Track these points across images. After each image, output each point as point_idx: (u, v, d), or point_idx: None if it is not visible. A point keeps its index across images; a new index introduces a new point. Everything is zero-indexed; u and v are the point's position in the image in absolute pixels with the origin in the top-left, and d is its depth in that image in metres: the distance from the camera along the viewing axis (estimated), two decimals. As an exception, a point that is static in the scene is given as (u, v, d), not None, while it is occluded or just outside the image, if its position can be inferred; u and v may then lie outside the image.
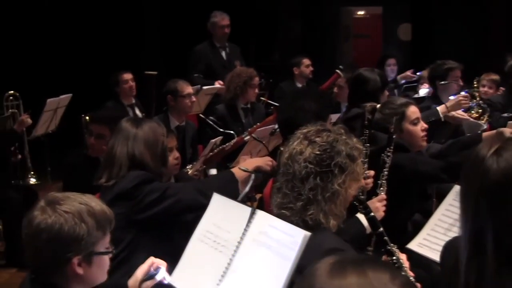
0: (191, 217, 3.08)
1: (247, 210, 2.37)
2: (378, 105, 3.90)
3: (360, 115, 3.92)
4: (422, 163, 3.78)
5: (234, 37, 7.66)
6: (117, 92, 6.76)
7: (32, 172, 6.62)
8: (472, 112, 5.38)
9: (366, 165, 3.24)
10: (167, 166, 3.45)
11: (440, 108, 4.93)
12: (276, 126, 4.56)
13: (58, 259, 2.09)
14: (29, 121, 5.98)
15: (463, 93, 5.31)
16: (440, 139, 4.72)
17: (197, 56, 7.42)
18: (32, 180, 6.58)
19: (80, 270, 2.11)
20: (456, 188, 3.30)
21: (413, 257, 3.02)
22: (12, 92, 6.55)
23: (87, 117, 6.08)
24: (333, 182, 2.32)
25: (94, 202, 2.17)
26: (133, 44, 9.88)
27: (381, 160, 3.48)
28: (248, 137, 5.27)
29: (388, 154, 3.49)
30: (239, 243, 2.32)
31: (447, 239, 2.22)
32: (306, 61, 7.76)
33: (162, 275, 2.35)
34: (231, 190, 3.14)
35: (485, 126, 5.11)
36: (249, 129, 5.61)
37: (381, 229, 2.61)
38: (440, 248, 2.08)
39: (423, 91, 7.20)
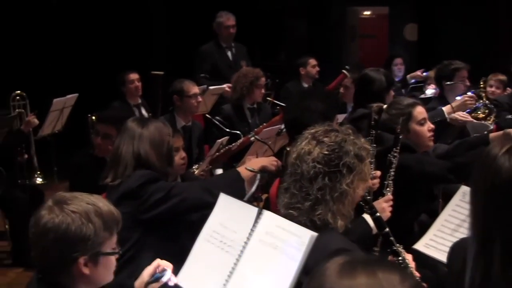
0: (197, 217, 3.08)
1: (253, 210, 2.37)
2: (385, 106, 3.89)
3: (366, 116, 3.92)
4: (429, 163, 3.78)
5: (240, 37, 7.65)
6: (123, 92, 6.76)
7: (38, 172, 6.61)
8: (479, 112, 5.35)
9: (372, 166, 3.23)
10: (173, 165, 3.45)
11: (446, 109, 4.92)
12: (283, 127, 4.56)
13: (64, 259, 2.09)
14: (36, 121, 5.99)
15: (469, 93, 5.29)
16: (446, 139, 4.70)
17: (202, 56, 7.41)
18: (39, 180, 6.58)
19: (86, 270, 2.11)
20: (463, 188, 3.30)
21: (419, 257, 3.02)
22: (18, 92, 6.54)
23: (94, 117, 6.07)
24: (341, 182, 2.32)
25: (102, 203, 2.16)
26: (139, 44, 9.88)
27: (387, 161, 3.47)
28: (254, 138, 5.26)
29: (395, 154, 3.48)
30: (246, 243, 2.32)
31: (454, 239, 2.22)
32: (312, 61, 7.75)
33: (168, 277, 2.35)
34: (237, 189, 3.14)
35: (491, 127, 5.09)
36: (255, 129, 5.60)
37: (387, 229, 2.61)
38: (446, 249, 2.09)
39: (430, 91, 7.19)
